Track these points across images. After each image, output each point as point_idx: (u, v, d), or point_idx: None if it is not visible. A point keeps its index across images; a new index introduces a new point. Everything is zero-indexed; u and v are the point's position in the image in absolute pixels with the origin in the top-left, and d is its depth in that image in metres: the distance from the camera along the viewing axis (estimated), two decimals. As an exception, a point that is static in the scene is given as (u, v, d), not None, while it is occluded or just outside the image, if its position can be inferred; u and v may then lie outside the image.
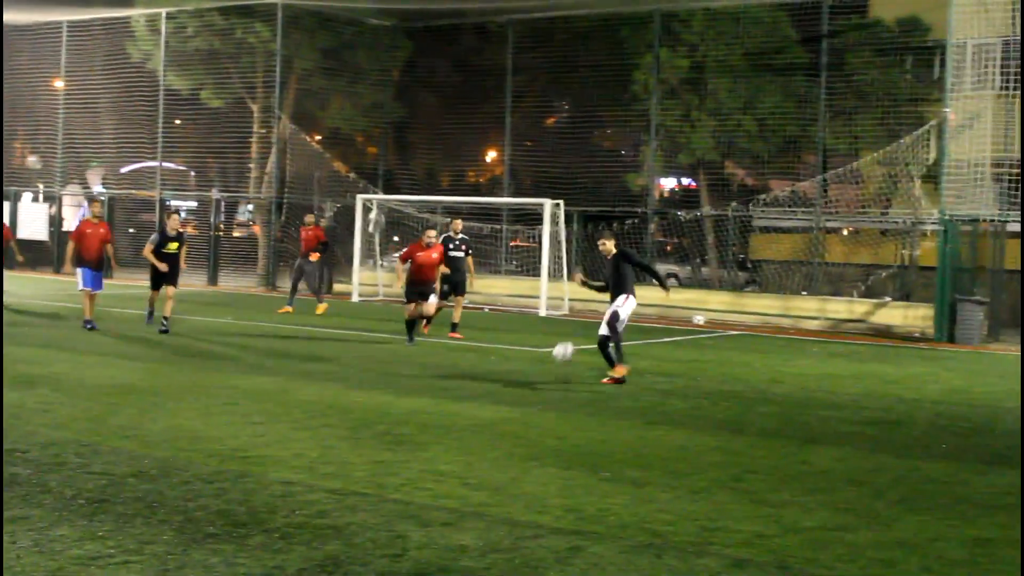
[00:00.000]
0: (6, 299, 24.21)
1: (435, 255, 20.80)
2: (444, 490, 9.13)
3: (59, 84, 41.91)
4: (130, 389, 13.94)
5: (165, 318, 20.78)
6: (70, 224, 42.97)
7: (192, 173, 42.96)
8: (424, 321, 21.29)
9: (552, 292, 29.54)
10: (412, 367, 17.47)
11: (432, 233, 21.41)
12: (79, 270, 21.17)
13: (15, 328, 20.76)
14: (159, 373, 15.58)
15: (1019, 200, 26.06)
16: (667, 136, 34.00)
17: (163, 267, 20.69)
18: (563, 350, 16.33)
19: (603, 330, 16.09)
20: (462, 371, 17.24)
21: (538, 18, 36.47)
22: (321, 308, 27.29)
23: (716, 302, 29.99)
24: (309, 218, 28.75)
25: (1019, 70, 26.46)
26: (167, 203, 39.35)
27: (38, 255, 41.63)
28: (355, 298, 32.12)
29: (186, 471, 9.46)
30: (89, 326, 20.85)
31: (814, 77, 31.81)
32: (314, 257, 28.04)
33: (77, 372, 15.23)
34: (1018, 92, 26.44)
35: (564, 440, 11.59)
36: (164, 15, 37.59)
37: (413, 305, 20.55)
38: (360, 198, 33.62)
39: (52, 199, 42.02)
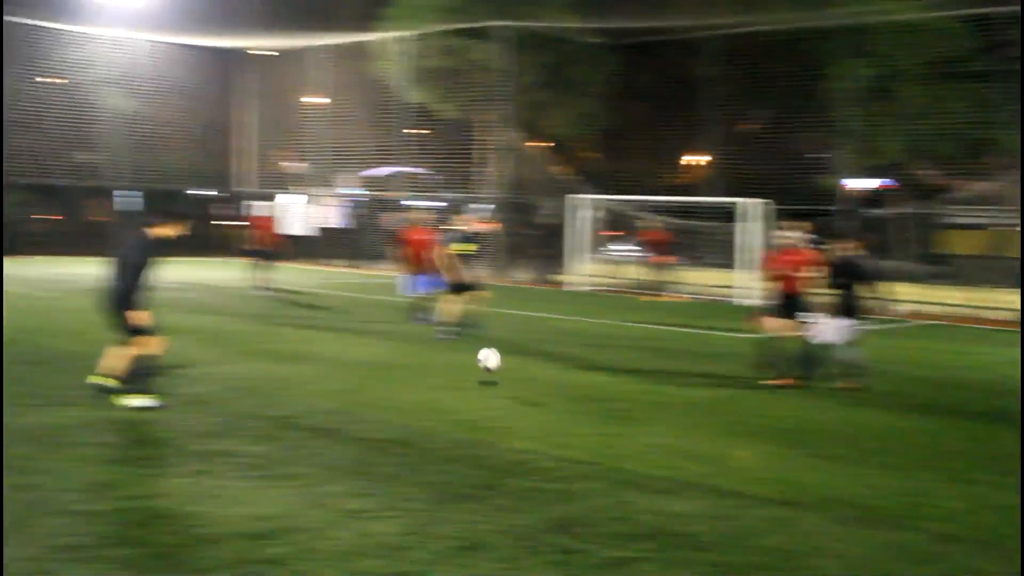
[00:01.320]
0: (285, 285, 24.93)
1: (799, 260, 14.02)
2: (662, 461, 9.08)
3: (315, 100, 43.20)
4: (387, 366, 14.25)
5: (461, 322, 17.86)
6: (325, 222, 44.34)
7: (427, 177, 43.71)
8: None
9: (747, 283, 29.08)
10: (629, 350, 17.40)
11: (795, 234, 14.25)
12: (411, 276, 19.46)
13: (289, 312, 21.48)
14: (411, 352, 15.86)
15: None
16: (858, 139, 33.05)
17: (461, 270, 17.70)
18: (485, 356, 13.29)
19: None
20: (674, 353, 17.10)
21: (737, 33, 35.95)
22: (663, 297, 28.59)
23: (906, 293, 28.92)
24: (655, 223, 29.55)
25: None
26: (402, 203, 40.13)
27: (299, 248, 43.04)
28: (571, 287, 32.25)
29: (437, 439, 9.64)
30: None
31: (995, 83, 30.41)
32: (671, 260, 29.32)
33: (343, 351, 15.63)
34: None
35: (773, 418, 11.37)
36: (404, 37, 38.34)
37: (778, 322, 14.06)
38: (575, 198, 33.71)
39: (308, 200, 43.31)
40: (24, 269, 31.40)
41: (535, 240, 36.25)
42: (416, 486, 7.93)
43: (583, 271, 33.44)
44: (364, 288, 28.21)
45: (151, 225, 10.67)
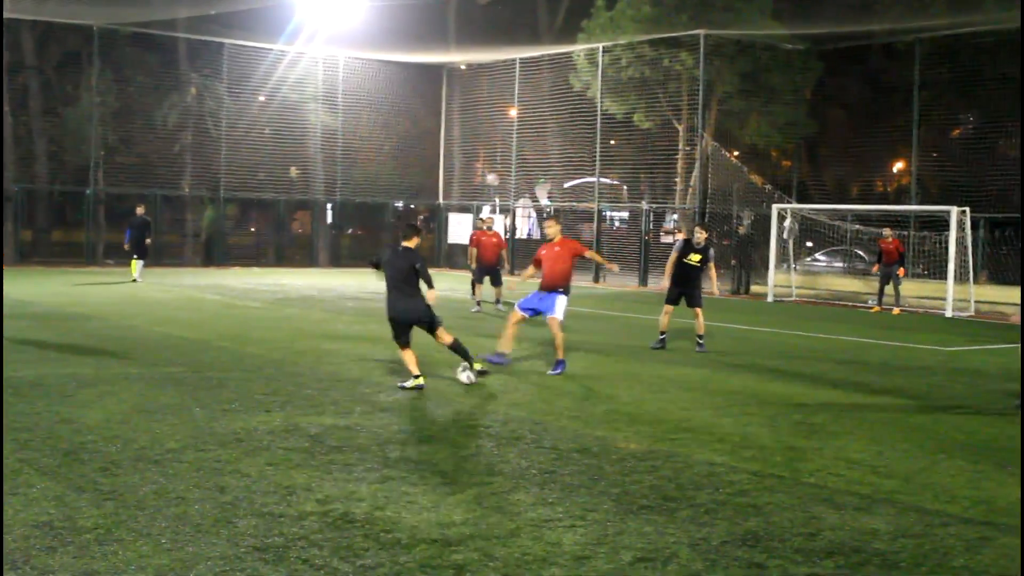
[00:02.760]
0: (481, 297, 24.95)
1: None
2: (856, 476, 8.88)
3: (513, 112, 43.76)
4: (578, 376, 14.30)
5: (699, 336, 17.89)
6: (522, 232, 44.82)
7: (624, 187, 43.74)
8: None
9: (958, 295, 28.05)
10: (824, 363, 17.05)
11: None
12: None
13: (471, 322, 21.77)
14: (597, 363, 15.90)
15: None
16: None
17: (665, 284, 17.96)
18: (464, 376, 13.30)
19: None
20: (872, 367, 16.66)
21: (944, 35, 34.68)
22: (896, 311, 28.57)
23: None
24: (887, 231, 29.32)
25: None
26: (604, 214, 40.28)
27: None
28: (770, 298, 31.75)
29: (623, 449, 9.64)
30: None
31: None
32: (900, 272, 29.18)
33: (529, 362, 15.77)
34: None
35: (972, 435, 10.97)
36: (601, 49, 38.48)
37: None
38: (775, 208, 33.19)
39: (507, 211, 43.89)
40: (228, 279, 32.74)
41: (733, 250, 35.82)
42: (601, 497, 7.95)
43: (784, 282, 32.91)
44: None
45: (408, 239, 13.10)
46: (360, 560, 6.35)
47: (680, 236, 18.19)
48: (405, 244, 13.07)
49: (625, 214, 44.38)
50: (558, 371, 14.35)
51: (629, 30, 37.34)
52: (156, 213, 39.14)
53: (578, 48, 39.55)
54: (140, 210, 31.73)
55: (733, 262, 35.35)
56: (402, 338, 12.87)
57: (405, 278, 12.80)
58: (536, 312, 14.87)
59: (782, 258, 33.55)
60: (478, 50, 44.03)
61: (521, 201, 44.82)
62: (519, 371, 14.51)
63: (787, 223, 33.27)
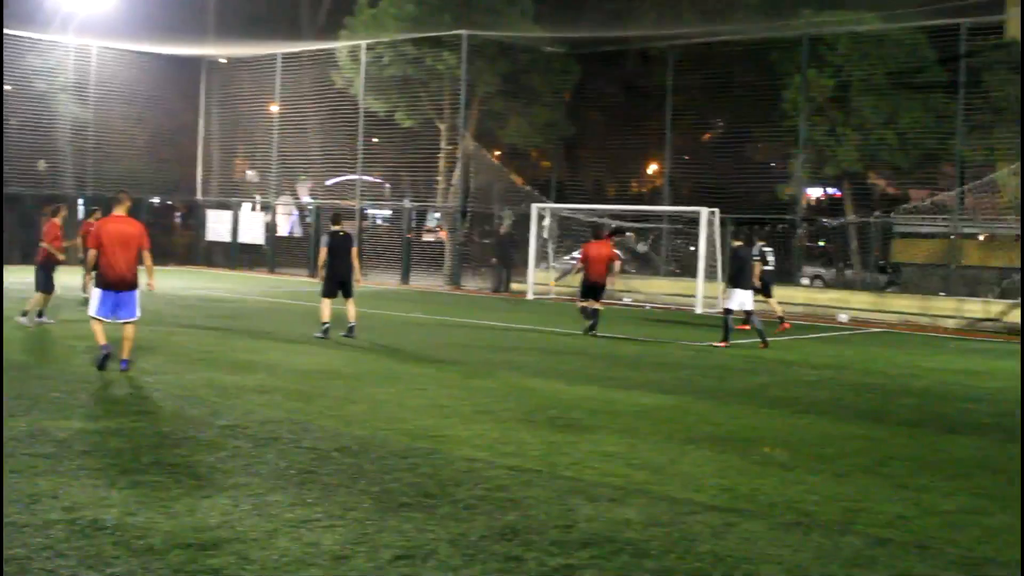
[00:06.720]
0: (230, 295, 24.72)
1: None
2: (609, 469, 9.11)
3: (274, 108, 43.08)
4: (335, 374, 14.23)
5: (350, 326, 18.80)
6: (283, 230, 44.18)
7: (387, 185, 43.70)
8: None
9: (707, 292, 29.23)
10: (581, 358, 17.47)
11: None
12: None
13: (236, 320, 21.37)
14: (358, 361, 15.86)
15: None
16: (814, 149, 33.27)
17: (320, 274, 19.46)
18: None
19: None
20: (626, 362, 17.17)
21: (695, 43, 36.08)
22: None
23: (859, 302, 29.31)
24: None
25: None
26: (366, 212, 40.10)
27: (255, 257, 42.91)
28: (529, 296, 32.31)
29: (383, 447, 9.63)
30: None
31: (952, 94, 30.64)
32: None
33: (288, 359, 15.60)
34: None
35: (718, 426, 11.46)
36: (364, 46, 38.31)
37: None
38: (534, 207, 33.79)
39: (267, 208, 43.19)
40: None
41: (493, 249, 36.30)
42: (360, 495, 7.90)
43: (544, 280, 33.49)
44: (313, 297, 28.07)
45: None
46: (110, 568, 6.12)
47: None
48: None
49: (388, 212, 44.35)
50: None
51: (392, 28, 37.29)
52: None
53: (341, 44, 39.27)
54: None
55: (494, 260, 35.83)
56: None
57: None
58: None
59: (541, 257, 34.19)
60: (239, 44, 43.12)
61: (282, 198, 44.18)
62: (279, 370, 14.32)
63: (546, 222, 33.92)
